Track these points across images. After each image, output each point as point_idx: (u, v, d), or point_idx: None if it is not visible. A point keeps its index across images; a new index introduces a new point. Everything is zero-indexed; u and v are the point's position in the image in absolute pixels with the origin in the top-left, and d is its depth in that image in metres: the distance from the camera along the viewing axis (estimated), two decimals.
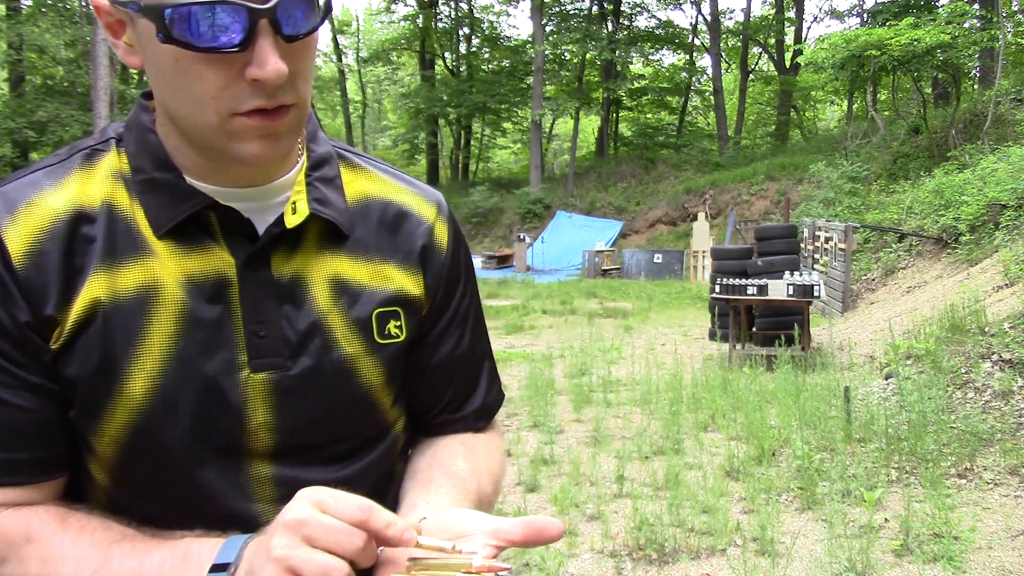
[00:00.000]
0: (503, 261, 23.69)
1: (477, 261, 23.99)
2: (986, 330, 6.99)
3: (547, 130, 38.97)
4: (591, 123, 41.74)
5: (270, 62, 0.76)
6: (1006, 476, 4.80)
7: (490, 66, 39.90)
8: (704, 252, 18.96)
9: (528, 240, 23.69)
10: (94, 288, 0.82)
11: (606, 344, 10.31)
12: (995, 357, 6.39)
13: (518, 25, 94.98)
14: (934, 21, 17.51)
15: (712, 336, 10.43)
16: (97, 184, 0.87)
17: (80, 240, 0.83)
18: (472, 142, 42.47)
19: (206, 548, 0.77)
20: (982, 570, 3.80)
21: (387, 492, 0.98)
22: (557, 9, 34.98)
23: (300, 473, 0.89)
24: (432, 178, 38.58)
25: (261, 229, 0.88)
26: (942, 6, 22.31)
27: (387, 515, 0.72)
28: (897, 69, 18.17)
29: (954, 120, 17.90)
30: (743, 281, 9.19)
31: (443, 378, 1.04)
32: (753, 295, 9.00)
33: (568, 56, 35.89)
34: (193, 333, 0.84)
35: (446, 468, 0.98)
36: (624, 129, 38.58)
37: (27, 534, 0.80)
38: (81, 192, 0.85)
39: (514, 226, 27.67)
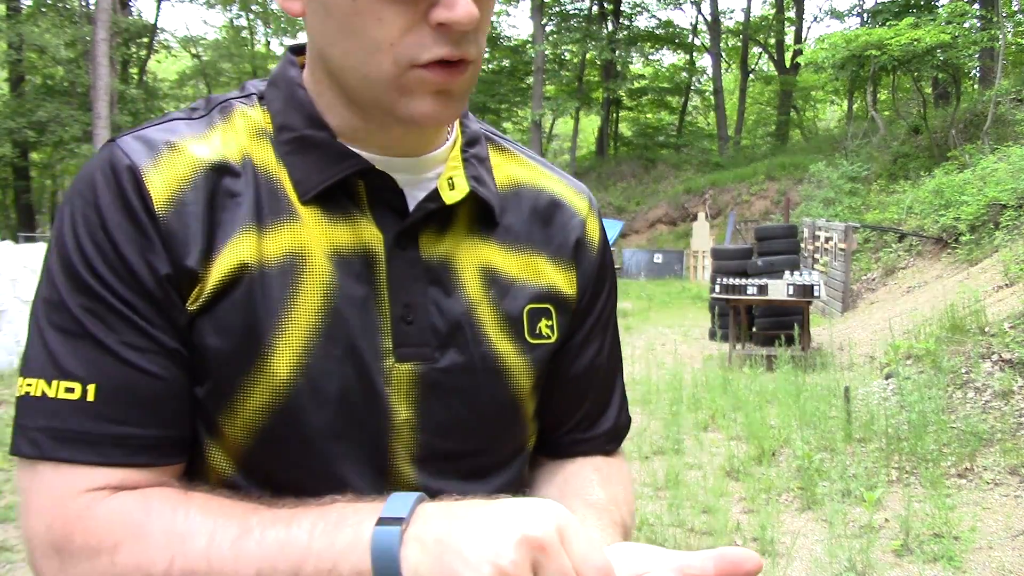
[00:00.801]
0: None
1: None
2: (986, 330, 6.99)
3: (547, 130, 38.93)
4: (591, 123, 41.72)
5: (460, 3, 0.68)
6: (1006, 476, 4.80)
7: (490, 66, 39.88)
8: (704, 252, 18.97)
9: None
10: (241, 249, 0.74)
11: None
12: (995, 357, 6.39)
13: (518, 25, 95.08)
14: (934, 21, 17.49)
15: (712, 336, 10.43)
16: (240, 139, 0.79)
17: (223, 194, 0.75)
18: None
19: (365, 507, 0.66)
20: (982, 570, 3.80)
21: None
22: (557, 9, 34.97)
23: (441, 485, 0.78)
24: None
25: (411, 204, 0.80)
26: (942, 6, 22.29)
27: None
28: (897, 69, 18.16)
29: (954, 120, 17.90)
30: (743, 281, 9.19)
31: (579, 391, 0.93)
32: (753, 295, 9.00)
33: (568, 56, 35.88)
34: (341, 310, 0.75)
35: (584, 497, 0.88)
36: (624, 129, 38.58)
37: (147, 511, 0.70)
38: (224, 144, 0.78)
39: None
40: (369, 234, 0.78)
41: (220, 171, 0.76)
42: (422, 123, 0.74)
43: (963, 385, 6.27)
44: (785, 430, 5.83)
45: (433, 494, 0.71)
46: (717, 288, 9.45)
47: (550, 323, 0.86)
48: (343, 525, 0.65)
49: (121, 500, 0.71)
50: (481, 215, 0.84)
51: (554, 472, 0.94)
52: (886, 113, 23.59)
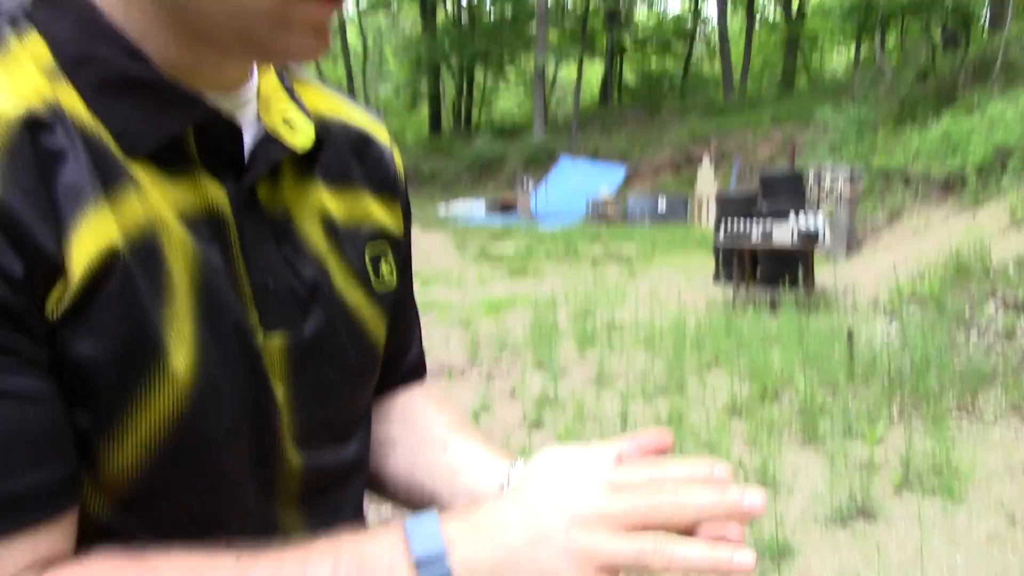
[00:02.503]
0: (507, 208, 23.61)
1: (481, 207, 23.94)
2: (991, 272, 6.99)
3: (550, 77, 38.51)
4: (595, 70, 41.26)
5: None
6: (1008, 413, 4.84)
7: (492, 13, 39.31)
8: (709, 198, 18.87)
9: (532, 186, 23.58)
10: (100, 230, 0.57)
11: (610, 288, 10.32)
12: (999, 298, 6.40)
13: None
14: None
15: (716, 280, 10.44)
16: (34, 78, 0.59)
17: (47, 157, 0.57)
18: (474, 90, 42.06)
19: (381, 545, 0.57)
20: (980, 504, 3.85)
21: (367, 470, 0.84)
22: None
23: (319, 461, 0.71)
24: (435, 126, 38.32)
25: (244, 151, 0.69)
26: None
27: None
28: (906, 14, 17.86)
29: (963, 65, 17.66)
30: (748, 227, 9.17)
31: (402, 324, 0.89)
32: (758, 240, 8.98)
33: (571, 3, 35.34)
34: (211, 285, 0.63)
35: (433, 425, 0.88)
36: (628, 76, 38.14)
37: None
38: (16, 89, 0.58)
39: (517, 173, 27.52)
40: (211, 191, 0.65)
41: (32, 127, 0.57)
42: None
43: (966, 326, 6.29)
44: (788, 370, 5.86)
45: (314, 474, 0.70)
46: (721, 234, 9.43)
47: (389, 266, 0.81)
48: (370, 567, 0.56)
49: None
50: (303, 156, 0.73)
51: (389, 409, 0.90)
52: (894, 59, 23.27)
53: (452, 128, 39.94)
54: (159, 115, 0.62)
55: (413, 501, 0.83)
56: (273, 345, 0.67)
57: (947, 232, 9.87)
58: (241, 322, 0.65)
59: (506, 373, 6.62)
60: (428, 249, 15.69)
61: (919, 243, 10.78)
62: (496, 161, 29.52)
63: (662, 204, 20.71)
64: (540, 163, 28.04)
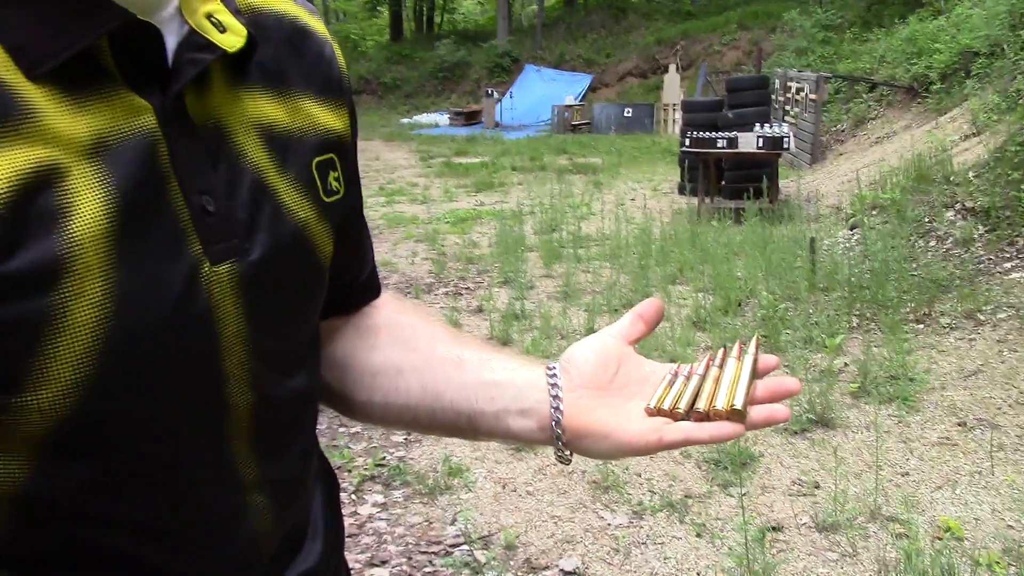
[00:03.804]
0: (471, 118, 23.23)
1: (444, 118, 23.57)
2: (951, 179, 7.06)
3: None
4: None
5: None
6: (962, 320, 4.97)
7: None
8: (675, 105, 18.69)
9: (496, 95, 23.19)
10: None
11: (576, 200, 10.30)
12: (958, 206, 6.49)
13: None
14: None
15: (681, 190, 10.43)
16: None
17: None
18: None
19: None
20: (934, 409, 3.99)
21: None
22: None
23: (269, 395, 0.66)
24: (396, 31, 37.28)
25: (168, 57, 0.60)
26: None
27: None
28: None
29: None
30: (713, 134, 9.13)
31: (354, 235, 0.83)
32: (723, 148, 8.97)
33: None
34: (132, 222, 0.54)
35: (409, 334, 0.84)
36: None
37: None
38: None
39: (482, 81, 27.02)
40: (134, 108, 0.56)
41: None
42: None
43: (926, 234, 6.39)
44: (751, 281, 5.94)
45: (268, 401, 0.65)
46: (687, 142, 9.39)
47: (337, 174, 0.73)
48: None
49: None
50: (233, 58, 0.63)
51: (355, 326, 0.86)
52: None
53: (414, 33, 38.91)
54: (65, 24, 0.52)
55: (441, 423, 0.81)
56: (220, 272, 0.60)
57: (910, 139, 9.91)
58: (178, 253, 0.57)
59: (472, 288, 6.64)
60: (391, 162, 15.48)
61: (882, 150, 10.83)
62: (459, 68, 28.91)
63: (628, 112, 20.51)
64: (504, 70, 27.53)
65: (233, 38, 0.62)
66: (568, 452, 0.75)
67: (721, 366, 0.73)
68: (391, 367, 0.82)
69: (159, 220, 0.57)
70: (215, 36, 0.61)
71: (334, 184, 0.72)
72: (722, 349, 0.75)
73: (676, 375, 0.73)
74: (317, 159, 0.70)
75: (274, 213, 0.65)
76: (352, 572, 3.08)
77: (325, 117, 0.72)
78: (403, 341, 0.84)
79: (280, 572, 0.71)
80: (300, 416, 0.72)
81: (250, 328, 0.63)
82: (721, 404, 0.69)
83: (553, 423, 0.74)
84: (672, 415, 0.70)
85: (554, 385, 0.75)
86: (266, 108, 0.67)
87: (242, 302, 0.62)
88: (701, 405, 0.70)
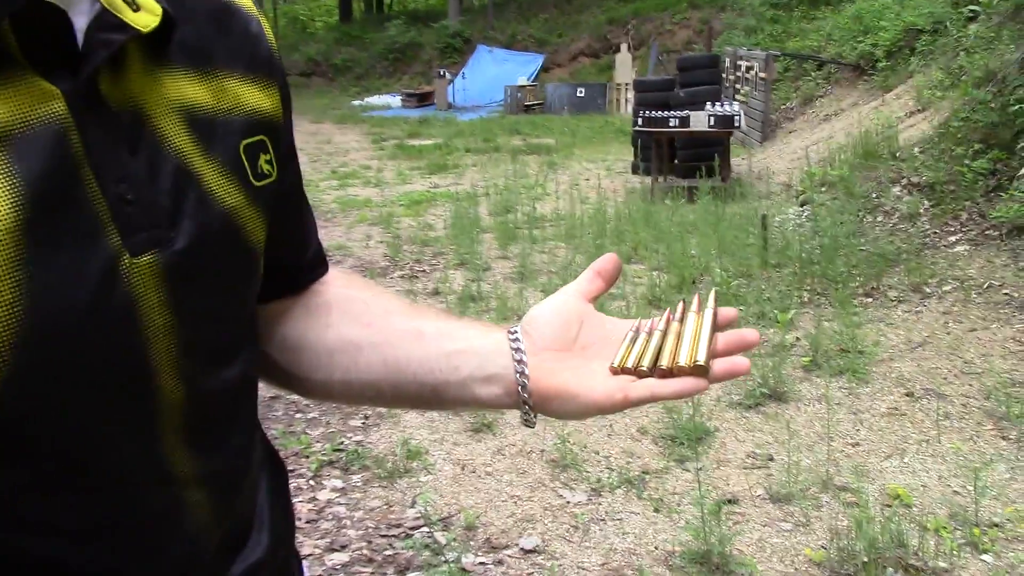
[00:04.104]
0: (423, 99, 23.05)
1: (396, 99, 23.36)
2: (897, 155, 7.19)
3: None
4: None
5: None
6: (909, 293, 5.08)
7: None
8: (627, 85, 18.75)
9: (448, 76, 23.04)
10: None
11: (530, 181, 10.30)
12: (904, 181, 6.62)
13: None
14: None
15: (635, 170, 10.49)
16: None
17: None
18: None
19: None
20: (883, 380, 4.08)
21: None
22: None
23: (202, 388, 0.64)
24: (345, 11, 36.78)
25: (77, 38, 0.56)
26: None
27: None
28: None
29: None
30: (665, 113, 9.18)
31: (295, 215, 0.82)
32: (675, 127, 9.02)
33: None
34: (41, 215, 0.52)
35: (362, 310, 0.83)
36: None
37: None
38: None
39: (433, 62, 26.80)
40: (41, 94, 0.54)
41: None
42: None
43: (873, 209, 6.51)
44: (705, 259, 6.01)
45: (199, 399, 0.63)
46: (639, 121, 9.43)
47: (268, 157, 0.70)
48: None
49: None
50: (152, 38, 0.60)
51: (305, 305, 0.84)
52: None
53: (363, 13, 38.43)
54: None
55: (406, 396, 0.80)
56: (142, 264, 0.58)
57: (857, 116, 10.07)
58: (94, 246, 0.55)
59: (428, 271, 6.62)
60: (343, 145, 15.31)
61: (830, 127, 10.99)
62: (410, 49, 28.65)
63: (581, 92, 20.52)
64: (456, 51, 27.34)
65: (147, 16, 0.59)
66: (534, 415, 0.75)
67: (681, 321, 0.74)
68: (349, 344, 0.81)
69: (72, 212, 0.54)
70: (128, 15, 0.58)
71: (265, 167, 0.70)
72: (681, 303, 0.76)
73: (638, 332, 0.74)
74: (245, 141, 0.68)
75: (199, 200, 0.63)
76: (311, 558, 3.06)
77: (253, 97, 0.70)
78: (357, 316, 0.82)
79: (226, 567, 0.70)
80: (237, 407, 0.71)
81: (177, 320, 0.61)
82: (684, 360, 0.70)
83: (519, 388, 0.74)
84: (636, 373, 0.71)
85: (517, 350, 0.75)
86: (189, 90, 0.64)
87: (167, 293, 0.60)
88: (664, 362, 0.70)
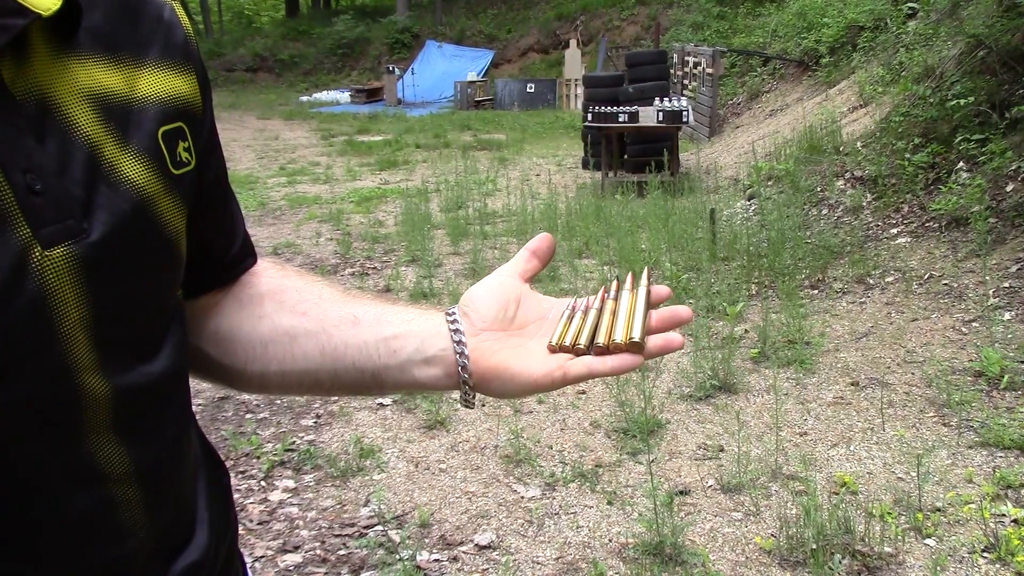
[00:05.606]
0: (372, 95, 22.89)
1: (345, 95, 23.15)
2: (841, 149, 7.33)
3: None
4: None
5: None
6: (853, 285, 5.19)
7: None
8: (576, 80, 18.83)
9: (398, 72, 22.90)
10: None
11: (481, 177, 10.29)
12: (848, 175, 6.75)
13: None
14: None
15: (585, 165, 10.55)
16: None
17: None
18: None
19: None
20: (829, 370, 4.16)
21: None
22: None
23: (127, 383, 0.62)
24: (291, 6, 36.33)
25: None
26: None
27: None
28: None
29: None
30: (614, 109, 9.24)
31: (219, 206, 0.80)
32: (624, 122, 9.09)
33: None
34: None
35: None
36: None
37: None
38: None
39: (382, 58, 26.62)
40: None
41: None
42: None
43: (818, 203, 6.63)
44: (655, 253, 6.06)
45: (124, 395, 0.61)
46: (589, 116, 9.48)
47: (187, 144, 0.69)
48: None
49: None
50: (55, 22, 0.58)
51: (235, 297, 0.83)
52: None
53: (311, 8, 37.99)
54: None
55: (344, 383, 0.80)
56: (54, 257, 0.55)
57: (802, 111, 10.24)
58: (1, 238, 0.53)
59: (379, 268, 6.57)
60: (292, 141, 15.13)
61: (776, 123, 11.16)
62: (359, 44, 28.40)
63: (531, 88, 20.55)
64: (405, 46, 27.17)
65: (49, 1, 0.56)
66: (473, 396, 0.76)
67: (616, 299, 0.75)
68: (283, 334, 0.79)
69: None
70: (28, 1, 0.55)
71: (184, 155, 0.68)
72: (615, 282, 0.77)
73: (574, 310, 0.75)
74: (163, 129, 0.66)
75: (113, 189, 0.60)
76: (264, 559, 3.01)
77: (169, 83, 0.67)
78: (290, 306, 0.81)
79: (164, 568, 0.68)
80: (166, 402, 0.68)
81: (95, 314, 0.59)
82: (620, 337, 0.71)
83: (459, 368, 0.74)
84: (574, 351, 0.72)
85: (456, 331, 0.75)
86: (99, 77, 0.62)
87: (83, 287, 0.58)
88: (601, 339, 0.72)
